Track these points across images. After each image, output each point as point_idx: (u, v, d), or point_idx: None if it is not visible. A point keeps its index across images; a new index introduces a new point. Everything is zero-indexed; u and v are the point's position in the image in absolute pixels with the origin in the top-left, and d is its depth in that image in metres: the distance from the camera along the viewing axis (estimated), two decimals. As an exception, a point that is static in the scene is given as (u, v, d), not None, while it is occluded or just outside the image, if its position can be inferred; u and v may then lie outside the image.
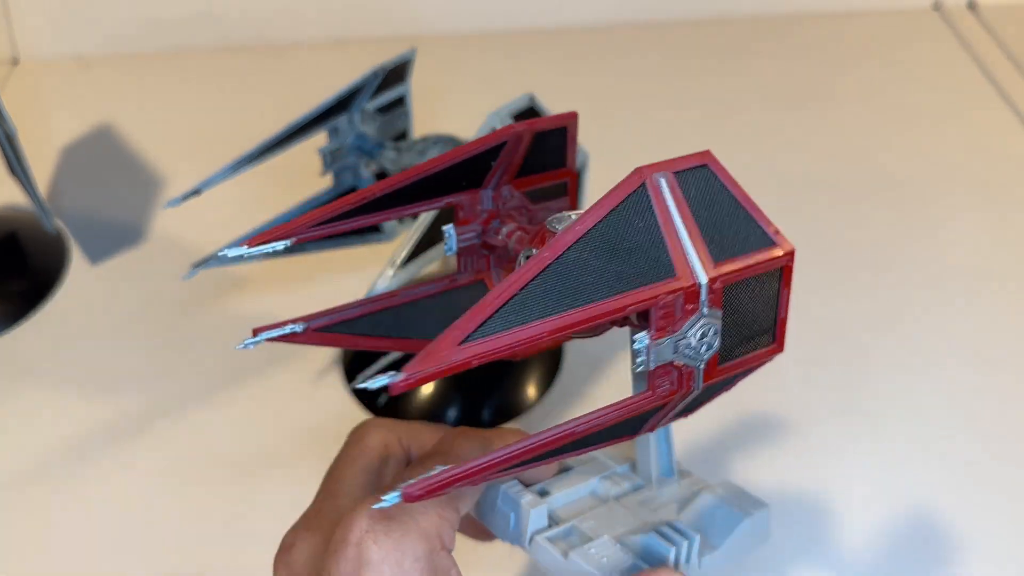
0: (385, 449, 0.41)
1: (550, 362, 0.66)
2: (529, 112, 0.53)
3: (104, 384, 0.67)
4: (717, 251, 0.33)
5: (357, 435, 0.42)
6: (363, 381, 0.27)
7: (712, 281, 0.32)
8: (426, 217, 0.49)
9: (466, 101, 0.93)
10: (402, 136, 0.63)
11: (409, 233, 0.49)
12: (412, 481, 0.29)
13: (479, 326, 0.28)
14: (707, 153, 0.34)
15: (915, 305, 0.71)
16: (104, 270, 0.76)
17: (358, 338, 0.39)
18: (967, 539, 0.56)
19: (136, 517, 0.58)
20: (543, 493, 0.40)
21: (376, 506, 0.30)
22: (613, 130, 0.89)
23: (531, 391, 0.64)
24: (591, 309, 0.30)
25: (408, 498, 0.30)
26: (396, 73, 0.60)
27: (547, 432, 0.32)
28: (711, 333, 0.33)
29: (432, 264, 0.51)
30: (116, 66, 1.01)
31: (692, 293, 0.32)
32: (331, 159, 0.60)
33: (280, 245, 0.34)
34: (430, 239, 0.49)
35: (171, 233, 0.79)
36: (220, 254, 0.34)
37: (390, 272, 0.49)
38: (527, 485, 0.39)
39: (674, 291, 0.31)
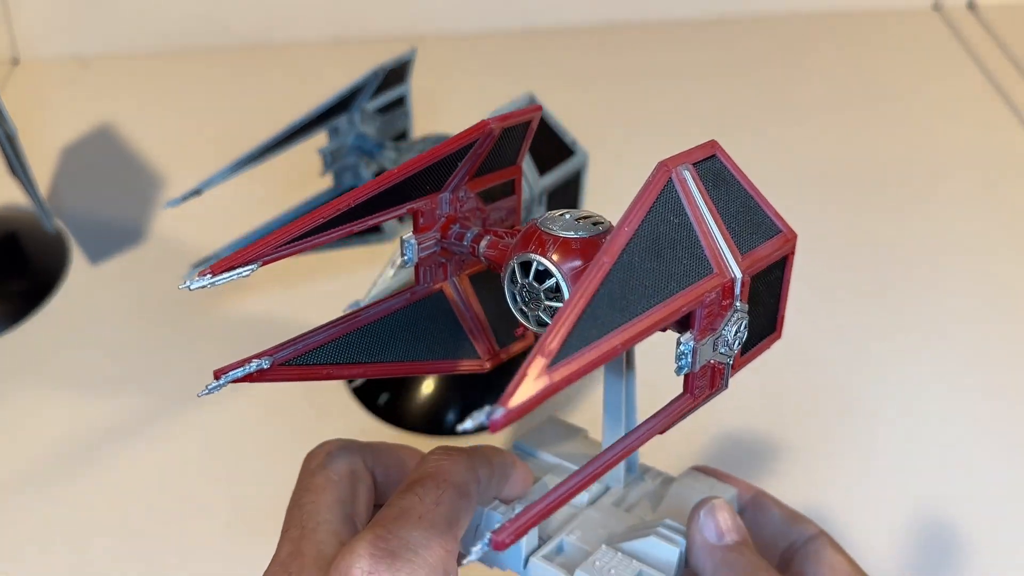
0: (353, 475, 0.37)
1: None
2: (529, 112, 0.53)
3: (104, 384, 0.67)
4: (740, 243, 0.32)
5: (320, 461, 0.37)
6: (461, 426, 0.24)
7: (744, 271, 0.32)
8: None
9: (466, 101, 0.93)
10: (402, 136, 0.63)
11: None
12: (498, 527, 0.28)
13: (562, 346, 0.26)
14: (713, 143, 0.33)
15: (915, 305, 0.71)
16: (104, 270, 0.76)
17: (329, 368, 0.37)
18: (971, 543, 0.56)
19: (135, 516, 0.58)
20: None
21: (466, 560, 0.28)
22: (613, 129, 0.89)
23: (531, 391, 0.64)
24: (654, 314, 0.29)
25: (499, 546, 0.28)
26: (396, 73, 0.60)
27: (607, 455, 0.31)
28: (742, 327, 0.32)
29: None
30: (116, 66, 1.01)
31: (728, 288, 0.31)
32: (331, 159, 0.60)
33: (246, 270, 0.32)
34: (430, 239, 0.49)
35: (171, 233, 0.79)
36: (182, 287, 0.32)
37: (390, 272, 0.49)
38: (505, 502, 0.37)
39: (715, 288, 0.31)
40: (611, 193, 0.82)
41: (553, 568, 0.36)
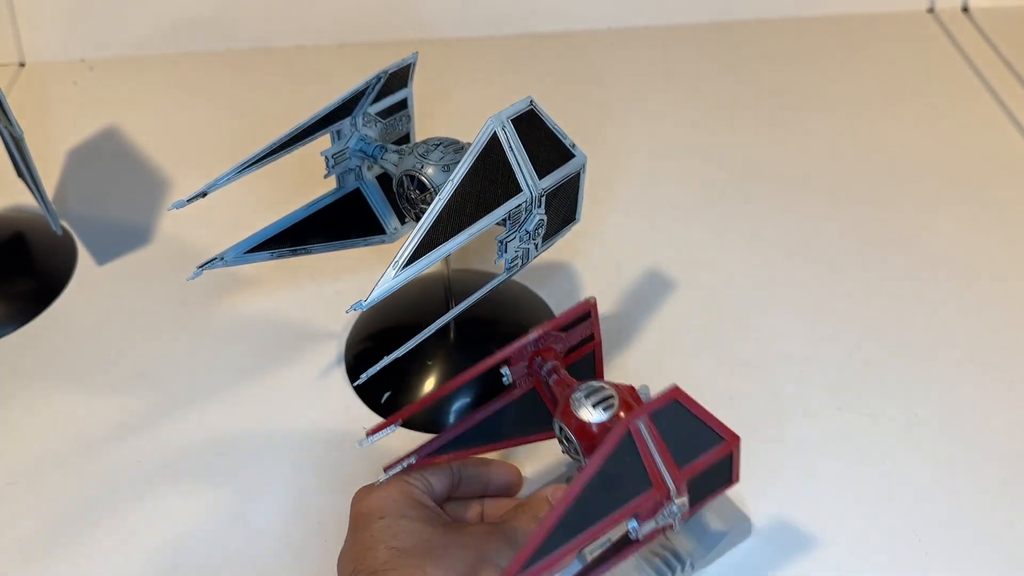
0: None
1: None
2: (529, 115, 0.54)
3: (111, 383, 0.67)
4: (682, 460, 0.46)
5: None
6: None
7: (678, 483, 0.46)
8: (428, 218, 0.50)
9: (467, 104, 0.94)
10: (404, 139, 0.64)
11: (411, 234, 0.50)
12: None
13: (522, 567, 0.42)
14: (675, 390, 0.47)
15: (909, 304, 0.72)
16: (110, 271, 0.76)
17: (463, 451, 0.54)
18: (963, 540, 0.56)
19: (143, 513, 0.59)
20: None
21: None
22: (611, 132, 0.90)
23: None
24: (594, 531, 0.44)
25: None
26: (398, 77, 0.61)
27: None
28: (678, 509, 0.47)
29: (434, 265, 0.52)
30: (122, 69, 1.01)
31: (666, 494, 0.46)
32: (334, 162, 0.61)
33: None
34: (432, 240, 0.50)
35: (177, 235, 0.79)
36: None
37: (392, 272, 0.50)
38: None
39: (651, 497, 0.45)
40: (610, 195, 0.83)
41: None
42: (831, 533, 0.57)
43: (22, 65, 1.02)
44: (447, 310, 0.63)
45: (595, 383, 0.51)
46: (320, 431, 0.64)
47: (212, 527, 0.58)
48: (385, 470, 0.50)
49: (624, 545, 0.47)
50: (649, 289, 0.73)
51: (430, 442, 0.52)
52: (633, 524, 0.46)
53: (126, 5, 1.01)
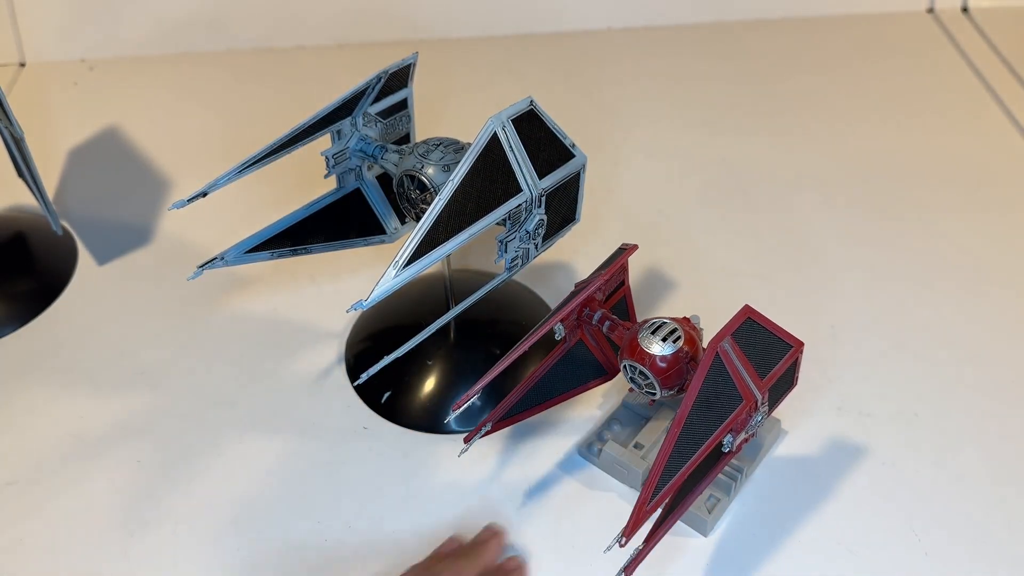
0: None
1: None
2: (529, 115, 0.54)
3: (111, 383, 0.68)
4: (763, 371, 0.52)
5: None
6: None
7: (762, 392, 0.52)
8: (428, 218, 0.50)
9: (467, 104, 0.94)
10: (404, 139, 0.64)
11: (412, 234, 0.50)
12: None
13: (654, 491, 0.47)
14: (747, 308, 0.52)
15: (908, 302, 0.72)
16: (111, 270, 0.77)
17: (524, 413, 0.59)
18: (963, 540, 0.57)
19: (141, 513, 0.59)
20: (637, 447, 0.60)
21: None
22: (611, 132, 0.90)
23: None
24: (704, 449, 0.49)
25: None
26: (398, 77, 0.61)
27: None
28: (761, 416, 0.53)
29: (434, 265, 0.52)
30: (122, 69, 1.01)
31: (755, 404, 0.52)
32: (334, 162, 0.61)
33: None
34: (432, 240, 0.50)
35: (177, 234, 0.80)
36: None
37: (392, 272, 0.50)
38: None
39: (744, 409, 0.51)
40: (610, 195, 0.83)
41: None
42: (832, 532, 0.57)
43: (22, 65, 1.03)
44: (447, 310, 0.63)
45: (655, 320, 0.55)
46: (320, 431, 0.64)
47: (212, 527, 0.58)
48: (466, 441, 0.55)
49: (718, 459, 0.53)
50: (649, 289, 0.73)
51: (496, 411, 0.57)
52: (728, 438, 0.51)
53: (126, 5, 1.01)
